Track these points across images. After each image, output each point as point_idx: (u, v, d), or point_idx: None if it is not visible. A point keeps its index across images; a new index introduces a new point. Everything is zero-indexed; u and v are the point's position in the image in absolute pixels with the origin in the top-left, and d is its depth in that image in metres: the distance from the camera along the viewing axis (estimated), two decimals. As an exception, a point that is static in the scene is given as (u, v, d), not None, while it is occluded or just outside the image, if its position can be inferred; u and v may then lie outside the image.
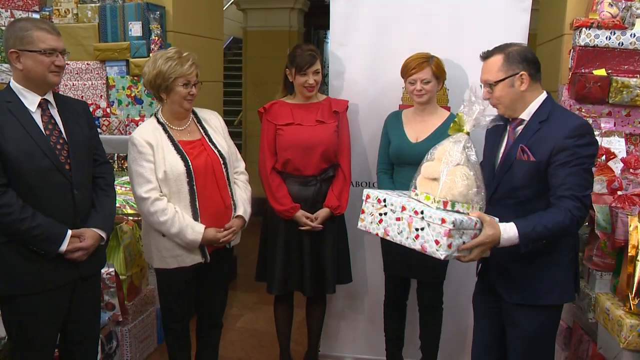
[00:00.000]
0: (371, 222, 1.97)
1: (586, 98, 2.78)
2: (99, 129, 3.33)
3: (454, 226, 1.74)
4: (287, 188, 2.65)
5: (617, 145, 2.70)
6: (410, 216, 1.84)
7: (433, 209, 1.81)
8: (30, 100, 2.01)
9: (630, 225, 2.14)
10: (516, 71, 1.93)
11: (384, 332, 2.84)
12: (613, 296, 2.27)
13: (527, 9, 2.70)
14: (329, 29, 2.99)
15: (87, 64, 3.44)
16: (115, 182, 2.39)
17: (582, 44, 2.76)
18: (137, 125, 2.53)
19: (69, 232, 2.02)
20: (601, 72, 2.75)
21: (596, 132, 2.71)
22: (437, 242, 1.76)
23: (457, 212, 1.82)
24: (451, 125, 1.94)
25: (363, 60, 2.87)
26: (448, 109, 2.72)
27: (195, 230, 2.26)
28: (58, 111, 2.09)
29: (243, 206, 2.44)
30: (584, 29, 2.74)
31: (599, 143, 2.61)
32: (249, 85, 6.57)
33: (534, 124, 1.94)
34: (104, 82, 3.45)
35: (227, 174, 2.38)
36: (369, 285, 3.03)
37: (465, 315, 2.82)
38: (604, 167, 2.47)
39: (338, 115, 2.69)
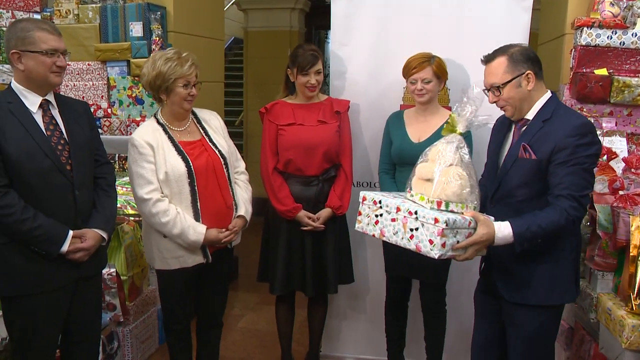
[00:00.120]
0: (368, 224, 2.01)
1: (587, 98, 2.78)
2: (100, 130, 3.34)
3: (447, 225, 1.77)
4: (288, 188, 2.65)
5: (619, 145, 2.69)
6: (404, 217, 1.88)
7: (427, 209, 1.84)
8: (32, 101, 2.01)
9: (632, 225, 2.13)
10: (522, 71, 1.92)
11: (385, 332, 2.84)
12: (615, 296, 2.26)
13: (528, 8, 2.70)
14: (329, 29, 2.99)
15: (88, 64, 3.45)
16: (117, 183, 2.39)
17: (584, 43, 2.75)
18: (138, 126, 2.52)
19: (70, 232, 2.02)
20: (602, 71, 2.74)
21: (597, 132, 2.71)
22: (431, 241, 1.80)
23: (451, 211, 1.85)
24: (444, 126, 1.97)
25: (364, 60, 2.87)
26: (449, 108, 2.71)
27: (197, 230, 2.26)
28: (59, 112, 2.09)
29: (244, 206, 2.44)
30: (585, 28, 2.74)
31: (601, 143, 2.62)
32: (250, 86, 6.58)
33: (537, 122, 1.94)
34: (105, 82, 3.45)
35: (228, 174, 2.38)
36: (370, 286, 3.03)
37: (468, 314, 2.80)
38: (605, 167, 2.47)
39: (339, 115, 2.69)
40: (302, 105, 2.68)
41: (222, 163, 2.36)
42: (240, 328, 3.63)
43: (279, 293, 2.74)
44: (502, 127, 2.12)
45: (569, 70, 2.91)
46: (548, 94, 1.98)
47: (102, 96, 3.45)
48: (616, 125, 2.78)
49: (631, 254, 2.09)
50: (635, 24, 2.72)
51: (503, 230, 1.85)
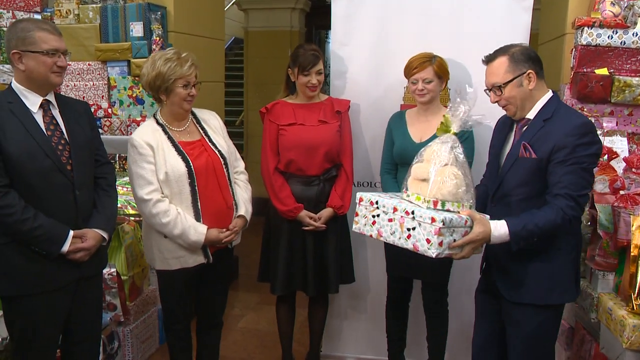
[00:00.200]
0: (365, 224, 2.04)
1: (588, 97, 2.78)
2: (100, 130, 3.34)
3: (443, 224, 1.79)
4: (290, 188, 2.65)
5: (620, 144, 2.69)
6: (401, 217, 1.90)
7: (423, 209, 1.86)
8: (32, 101, 2.01)
9: (632, 225, 2.13)
10: (523, 70, 1.93)
11: (386, 332, 2.84)
12: (615, 296, 2.26)
13: (528, 8, 2.70)
14: (330, 29, 2.99)
15: (89, 64, 3.45)
16: (117, 183, 2.39)
17: (584, 43, 2.75)
18: (139, 126, 2.52)
19: (71, 232, 2.02)
20: (603, 71, 2.74)
21: (598, 132, 2.70)
22: (428, 240, 1.82)
23: (448, 210, 1.87)
24: (438, 126, 1.99)
25: (364, 60, 2.87)
26: (450, 108, 2.71)
27: (198, 231, 2.26)
28: (60, 112, 2.09)
29: (244, 206, 2.44)
30: (585, 28, 2.74)
31: (602, 143, 2.62)
32: (251, 86, 6.58)
33: (538, 122, 1.95)
34: (106, 82, 3.45)
35: (228, 173, 2.38)
36: (371, 285, 3.03)
37: (469, 314, 2.81)
38: (606, 167, 2.47)
39: (340, 115, 2.69)
40: (303, 105, 2.68)
41: (222, 163, 2.36)
42: (240, 328, 3.63)
43: (280, 293, 2.73)
44: (503, 126, 2.13)
45: (570, 70, 2.91)
46: (549, 94, 1.98)
47: (103, 96, 3.45)
48: (617, 125, 2.78)
49: (632, 254, 2.09)
50: (636, 23, 2.71)
51: (499, 229, 1.86)
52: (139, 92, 3.39)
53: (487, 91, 2.01)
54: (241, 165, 2.56)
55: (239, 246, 2.62)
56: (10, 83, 2.04)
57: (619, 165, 2.52)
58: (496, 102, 2.00)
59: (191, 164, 2.27)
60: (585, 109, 2.80)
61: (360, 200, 2.05)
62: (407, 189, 2.00)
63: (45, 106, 2.04)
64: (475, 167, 2.48)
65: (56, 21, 3.44)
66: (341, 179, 2.70)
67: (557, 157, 1.86)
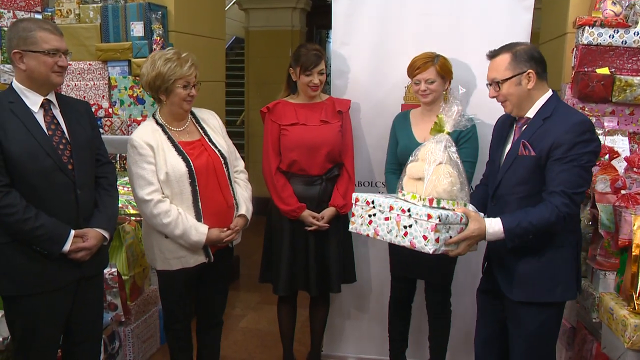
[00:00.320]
0: (362, 224, 2.08)
1: (589, 97, 2.77)
2: (101, 129, 3.33)
3: (440, 221, 1.83)
4: (292, 188, 2.65)
5: (621, 144, 2.69)
6: (398, 215, 1.94)
7: (419, 207, 1.90)
8: (33, 101, 2.01)
9: (634, 225, 2.13)
10: (523, 69, 1.94)
11: (388, 332, 2.83)
12: (617, 296, 2.26)
13: (529, 7, 2.70)
14: (331, 29, 2.99)
15: (89, 64, 3.44)
16: (118, 182, 2.39)
17: (585, 42, 2.75)
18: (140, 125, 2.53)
19: (72, 232, 2.02)
20: (604, 70, 2.74)
21: (599, 131, 2.70)
22: (425, 237, 1.85)
23: (443, 208, 1.91)
24: (432, 127, 2.04)
25: (365, 59, 2.86)
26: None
27: (199, 231, 2.26)
28: (60, 111, 2.09)
29: (245, 205, 2.44)
30: (587, 27, 2.73)
31: (602, 142, 2.62)
32: (252, 85, 6.58)
33: (538, 120, 1.96)
34: (106, 82, 3.44)
35: (228, 173, 2.38)
36: (372, 285, 3.02)
37: (471, 314, 2.81)
38: (607, 166, 2.46)
39: (342, 115, 2.69)
40: (305, 105, 2.67)
41: (222, 162, 2.36)
42: (241, 328, 3.63)
43: (283, 293, 2.73)
44: (503, 126, 2.14)
45: (571, 70, 2.90)
46: (549, 93, 1.99)
47: (103, 96, 3.45)
48: (618, 124, 2.78)
49: (633, 254, 2.09)
50: (637, 22, 2.71)
51: (494, 226, 1.89)
52: (140, 92, 3.39)
53: (488, 85, 2.03)
54: (241, 164, 2.56)
55: (240, 246, 2.62)
56: (11, 83, 2.04)
57: (620, 165, 2.52)
58: (494, 97, 2.02)
59: (192, 164, 2.27)
60: (586, 109, 2.80)
61: (356, 200, 2.09)
62: (402, 189, 2.04)
63: (46, 106, 2.04)
64: (478, 167, 2.48)
65: (57, 21, 3.44)
66: (343, 178, 2.70)
67: (555, 155, 1.88)
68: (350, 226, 2.12)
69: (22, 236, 1.95)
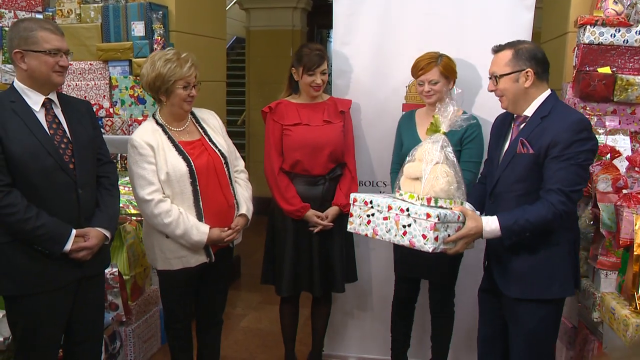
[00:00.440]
0: (360, 224, 2.10)
1: (591, 96, 2.77)
2: (102, 129, 3.34)
3: (439, 220, 1.85)
4: (295, 188, 2.64)
5: (622, 143, 2.68)
6: (396, 214, 1.96)
7: (418, 206, 1.92)
8: (34, 100, 2.01)
9: (635, 224, 2.12)
10: (522, 67, 1.97)
11: (390, 332, 2.83)
12: (618, 295, 2.25)
13: (530, 6, 2.70)
14: (332, 28, 2.99)
15: (90, 64, 3.45)
16: (119, 182, 2.39)
17: (587, 41, 2.74)
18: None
19: (73, 231, 2.02)
20: (606, 70, 2.73)
21: (601, 131, 2.70)
22: (424, 236, 1.87)
23: (441, 207, 1.94)
24: (428, 127, 2.06)
25: (366, 59, 2.86)
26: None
27: (200, 230, 2.26)
28: (62, 111, 2.09)
29: (245, 204, 2.44)
30: (588, 26, 2.73)
31: (604, 141, 2.62)
32: (252, 85, 6.58)
33: (536, 119, 1.98)
34: (107, 82, 3.45)
35: (229, 173, 2.38)
36: (374, 285, 3.02)
37: (473, 312, 2.81)
38: (608, 166, 2.46)
39: (344, 115, 2.69)
40: (307, 105, 2.67)
41: (223, 162, 2.36)
42: (242, 327, 3.63)
43: (286, 294, 2.72)
44: (502, 124, 2.16)
45: (572, 69, 2.90)
46: (547, 92, 2.01)
47: (104, 96, 3.46)
48: (619, 123, 2.77)
49: (635, 253, 2.08)
50: (638, 22, 2.70)
51: (491, 224, 1.91)
52: (141, 92, 3.39)
53: (490, 78, 2.06)
54: (241, 163, 2.55)
55: (241, 246, 2.61)
56: (13, 82, 2.04)
57: (621, 164, 2.51)
58: (492, 91, 2.05)
59: (192, 164, 2.27)
60: (587, 108, 2.79)
61: (355, 200, 2.11)
62: (399, 189, 2.06)
63: (47, 105, 2.04)
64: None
65: (58, 21, 3.44)
66: (346, 177, 2.70)
67: (553, 153, 1.89)
68: (349, 226, 2.14)
69: (23, 236, 1.95)
